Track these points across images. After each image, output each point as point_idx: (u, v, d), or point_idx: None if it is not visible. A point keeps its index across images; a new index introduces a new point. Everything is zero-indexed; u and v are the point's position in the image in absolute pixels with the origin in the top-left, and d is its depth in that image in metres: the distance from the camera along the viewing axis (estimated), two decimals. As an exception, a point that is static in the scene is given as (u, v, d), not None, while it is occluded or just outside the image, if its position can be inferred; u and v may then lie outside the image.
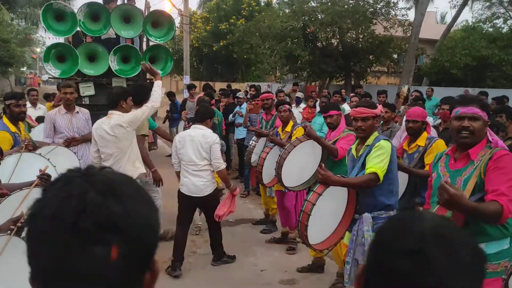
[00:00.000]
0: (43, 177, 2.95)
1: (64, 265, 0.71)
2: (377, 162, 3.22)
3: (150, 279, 0.80)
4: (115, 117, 4.49)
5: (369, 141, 3.39)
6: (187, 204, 4.89)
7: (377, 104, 3.62)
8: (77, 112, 5.42)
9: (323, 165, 3.32)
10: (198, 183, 4.72)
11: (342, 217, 3.47)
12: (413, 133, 4.11)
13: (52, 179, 3.13)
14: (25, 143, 4.08)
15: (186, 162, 4.76)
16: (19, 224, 2.32)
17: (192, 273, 4.81)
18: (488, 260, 2.38)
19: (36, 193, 2.85)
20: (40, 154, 3.93)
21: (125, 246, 0.73)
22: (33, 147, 4.18)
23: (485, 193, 2.38)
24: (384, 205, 3.35)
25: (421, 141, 4.09)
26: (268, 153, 5.48)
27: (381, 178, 3.20)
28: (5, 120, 4.60)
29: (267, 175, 5.48)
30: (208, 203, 4.84)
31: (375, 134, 3.45)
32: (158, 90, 4.69)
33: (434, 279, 0.80)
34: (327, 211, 3.35)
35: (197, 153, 4.71)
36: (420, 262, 0.80)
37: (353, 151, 3.55)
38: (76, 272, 0.71)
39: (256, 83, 19.05)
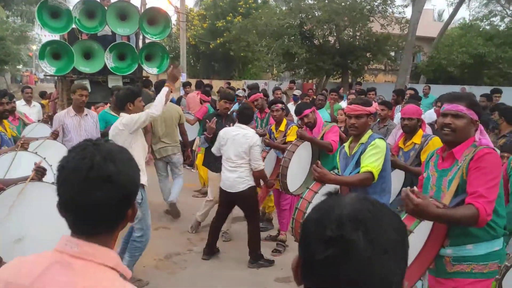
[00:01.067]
0: (39, 170, 2.92)
1: (76, 200, 1.18)
2: (373, 161, 3.20)
3: (131, 213, 1.27)
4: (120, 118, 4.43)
5: (364, 139, 3.36)
6: (224, 199, 5.04)
7: (373, 102, 3.59)
8: (86, 114, 5.31)
9: (319, 162, 3.27)
10: (232, 178, 4.82)
11: None
12: (409, 130, 4.09)
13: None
14: (21, 141, 4.04)
15: (226, 158, 4.91)
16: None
17: (188, 271, 4.79)
18: (475, 260, 2.35)
19: (32, 186, 2.83)
20: (36, 153, 3.89)
21: (116, 191, 1.20)
22: (29, 145, 4.14)
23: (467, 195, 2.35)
24: None
25: (417, 139, 4.07)
26: (264, 157, 5.38)
27: (376, 177, 3.19)
28: None
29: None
30: (243, 200, 4.90)
31: (369, 132, 3.42)
32: (162, 98, 4.23)
33: (357, 263, 0.81)
34: None
35: (236, 152, 4.82)
36: (341, 248, 0.82)
37: (346, 149, 3.51)
38: (83, 205, 1.18)
39: (253, 81, 19.03)
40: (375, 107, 3.48)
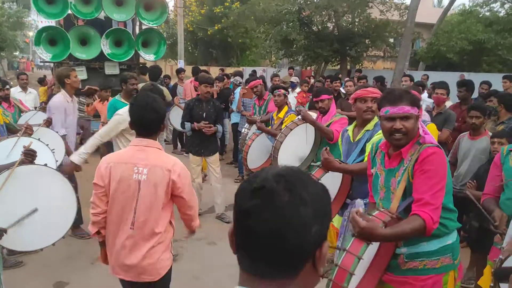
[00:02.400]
0: (28, 153, 2.90)
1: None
2: None
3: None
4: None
5: (370, 126, 3.28)
6: None
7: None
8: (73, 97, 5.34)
9: (328, 148, 3.19)
10: None
11: (333, 200, 3.43)
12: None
13: (43, 156, 3.06)
14: (25, 126, 4.03)
15: None
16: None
17: (186, 258, 4.81)
18: (428, 256, 2.32)
19: (22, 169, 2.81)
20: (39, 139, 3.86)
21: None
22: (33, 131, 4.12)
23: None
24: None
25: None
26: (254, 140, 5.52)
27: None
28: None
29: (252, 160, 5.53)
30: None
31: (376, 119, 3.30)
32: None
33: (276, 209, 0.86)
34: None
35: None
36: (263, 197, 0.88)
37: (350, 133, 3.44)
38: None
39: (252, 68, 18.93)
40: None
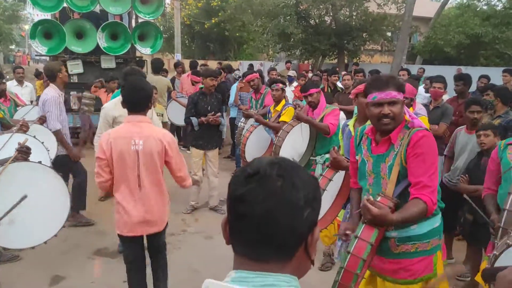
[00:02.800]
0: (22, 150, 2.89)
1: None
2: None
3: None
4: None
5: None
6: None
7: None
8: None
9: (336, 148, 3.21)
10: None
11: (337, 195, 3.41)
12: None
13: (37, 153, 3.02)
14: (21, 123, 4.00)
15: None
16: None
17: (182, 251, 4.81)
18: (419, 239, 2.40)
19: (15, 166, 2.79)
20: (34, 136, 3.83)
21: None
22: (28, 128, 4.09)
23: (409, 182, 2.34)
24: None
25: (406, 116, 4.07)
26: (251, 132, 5.53)
27: None
28: None
29: (250, 153, 5.52)
30: None
31: None
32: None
33: (270, 193, 0.90)
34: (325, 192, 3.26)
35: None
36: (257, 182, 0.91)
37: (351, 128, 3.42)
38: None
39: (249, 62, 18.87)
40: None
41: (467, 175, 4.01)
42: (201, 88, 5.99)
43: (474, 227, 3.85)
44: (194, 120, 5.72)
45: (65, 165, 4.95)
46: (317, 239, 0.97)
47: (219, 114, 5.76)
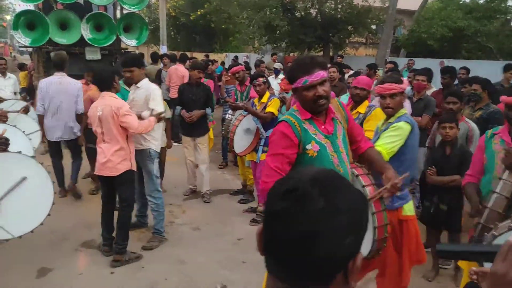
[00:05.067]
0: (1, 141, 2.88)
1: None
2: (387, 142, 3.13)
3: None
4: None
5: (393, 118, 3.29)
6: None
7: (403, 79, 3.49)
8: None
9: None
10: None
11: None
12: (359, 100, 4.19)
13: (19, 142, 3.01)
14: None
15: None
16: None
17: (171, 242, 4.84)
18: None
19: None
20: (15, 126, 3.82)
21: None
22: (7, 118, 4.07)
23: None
24: None
25: (362, 109, 4.19)
26: (241, 120, 5.59)
27: (386, 159, 3.05)
28: None
29: (239, 144, 5.58)
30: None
31: (402, 111, 3.31)
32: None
33: (309, 214, 0.81)
34: None
35: None
36: (296, 199, 0.82)
37: (379, 124, 3.48)
38: None
39: (234, 54, 18.82)
40: (406, 83, 3.39)
41: (433, 166, 4.09)
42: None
43: (449, 215, 3.97)
44: (177, 109, 6.16)
45: (77, 146, 6.07)
46: (358, 267, 0.87)
47: (194, 113, 6.02)
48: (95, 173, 4.46)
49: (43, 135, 5.62)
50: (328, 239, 0.80)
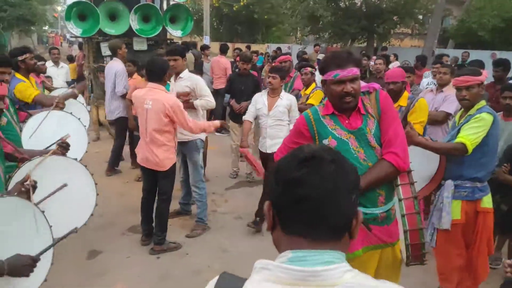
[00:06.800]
0: (62, 145, 2.96)
1: None
2: (470, 133, 3.07)
3: None
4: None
5: (472, 110, 3.22)
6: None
7: (482, 70, 3.37)
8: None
9: (411, 123, 3.26)
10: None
11: (430, 181, 3.42)
12: (395, 94, 4.10)
13: (75, 130, 3.07)
14: (56, 100, 4.12)
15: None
16: (26, 187, 2.30)
17: (212, 231, 4.94)
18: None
19: (52, 160, 2.81)
20: (71, 113, 3.95)
21: None
22: (64, 105, 4.22)
23: None
24: (471, 176, 3.22)
25: (403, 101, 4.11)
26: None
27: (470, 150, 3.06)
28: (19, 75, 4.55)
29: None
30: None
31: (482, 103, 3.25)
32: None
33: (324, 176, 0.94)
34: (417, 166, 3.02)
35: None
36: (313, 165, 0.96)
37: (457, 118, 3.41)
38: None
39: (276, 45, 18.74)
40: (485, 75, 3.28)
41: (509, 163, 3.89)
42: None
43: (509, 217, 3.81)
44: (226, 97, 6.75)
45: (121, 125, 6.55)
46: (360, 221, 1.02)
47: (242, 104, 6.42)
48: (138, 162, 4.49)
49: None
50: (342, 196, 0.95)
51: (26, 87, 4.37)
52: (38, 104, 4.41)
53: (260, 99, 5.13)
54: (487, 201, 3.25)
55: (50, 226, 2.30)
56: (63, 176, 2.74)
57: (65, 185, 2.54)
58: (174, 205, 4.98)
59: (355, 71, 2.31)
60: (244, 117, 5.28)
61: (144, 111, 4.15)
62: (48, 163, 2.77)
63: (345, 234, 0.99)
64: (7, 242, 2.14)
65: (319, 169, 0.95)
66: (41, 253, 2.15)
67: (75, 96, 4.85)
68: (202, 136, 4.87)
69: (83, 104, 4.96)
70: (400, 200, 2.36)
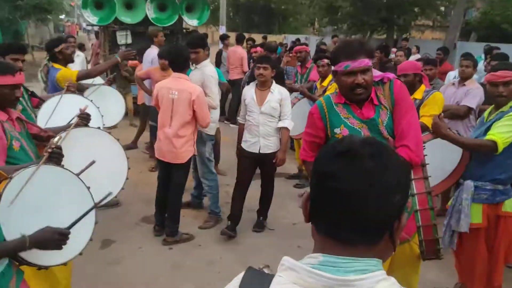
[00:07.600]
0: (83, 116, 2.96)
1: None
2: (503, 131, 2.89)
3: None
4: None
5: (506, 107, 3.03)
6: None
7: None
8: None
9: (442, 114, 3.17)
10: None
11: (448, 176, 3.28)
12: (409, 86, 3.85)
13: (94, 117, 3.02)
14: (67, 84, 4.08)
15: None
16: (49, 150, 2.29)
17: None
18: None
19: (76, 132, 2.84)
20: (83, 95, 3.96)
21: None
22: (76, 88, 4.19)
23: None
24: (493, 178, 3.05)
25: (418, 94, 4.00)
26: (295, 103, 5.42)
27: (500, 149, 2.88)
28: (57, 65, 4.54)
29: (294, 127, 5.42)
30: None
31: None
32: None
33: (361, 173, 0.87)
34: (437, 160, 3.02)
35: None
36: (349, 160, 0.88)
37: (485, 114, 3.23)
38: None
39: (295, 36, 18.55)
40: None
41: None
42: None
43: None
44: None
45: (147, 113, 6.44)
46: (404, 226, 0.94)
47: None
48: (156, 156, 4.49)
49: None
50: (380, 194, 0.87)
51: (65, 71, 4.41)
52: (84, 79, 4.52)
53: (248, 93, 4.53)
54: (509, 205, 3.08)
55: (88, 188, 2.36)
56: (90, 146, 2.83)
57: (93, 162, 2.53)
58: (185, 197, 4.93)
59: (366, 62, 2.25)
60: (238, 119, 4.87)
61: (170, 101, 4.12)
62: (73, 135, 2.80)
63: (382, 239, 0.91)
64: (51, 210, 2.19)
65: (355, 164, 0.88)
66: (75, 222, 2.17)
67: (117, 62, 4.77)
68: (210, 130, 4.74)
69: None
70: (412, 195, 2.30)
